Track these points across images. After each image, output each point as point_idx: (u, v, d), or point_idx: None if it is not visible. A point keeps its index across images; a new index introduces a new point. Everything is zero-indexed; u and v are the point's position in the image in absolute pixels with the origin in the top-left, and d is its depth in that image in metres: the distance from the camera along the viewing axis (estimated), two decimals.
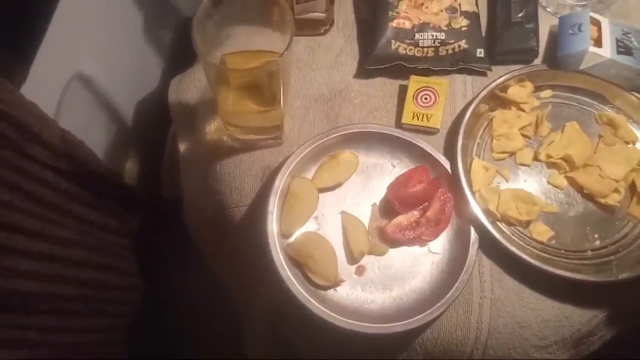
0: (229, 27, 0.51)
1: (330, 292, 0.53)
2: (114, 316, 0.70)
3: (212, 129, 0.62)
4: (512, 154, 0.59)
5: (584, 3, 0.64)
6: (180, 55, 0.89)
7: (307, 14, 0.62)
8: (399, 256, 0.54)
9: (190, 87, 0.65)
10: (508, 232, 0.55)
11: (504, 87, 0.60)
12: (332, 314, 0.50)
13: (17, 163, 0.48)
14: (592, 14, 0.60)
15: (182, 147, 0.65)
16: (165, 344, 0.82)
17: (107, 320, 0.68)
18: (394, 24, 0.61)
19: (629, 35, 0.60)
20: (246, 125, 0.58)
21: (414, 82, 0.60)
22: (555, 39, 0.63)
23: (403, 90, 0.62)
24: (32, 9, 0.52)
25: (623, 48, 0.59)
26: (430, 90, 0.60)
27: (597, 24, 0.60)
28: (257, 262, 0.56)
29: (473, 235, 0.53)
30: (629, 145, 0.59)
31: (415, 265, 0.54)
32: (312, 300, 0.50)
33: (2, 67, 0.46)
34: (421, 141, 0.57)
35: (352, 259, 0.54)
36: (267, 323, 0.58)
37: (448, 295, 0.51)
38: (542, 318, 0.53)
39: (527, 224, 0.55)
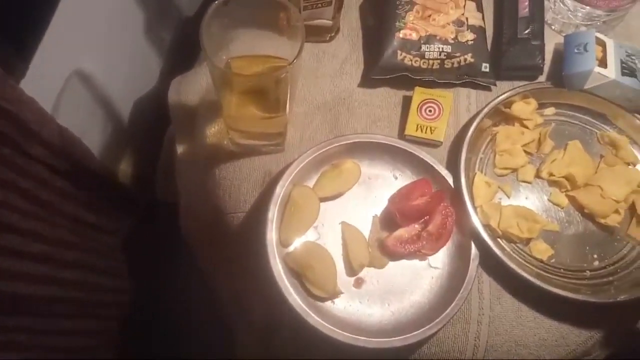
0: (235, 30, 0.50)
1: (328, 303, 0.52)
2: (103, 319, 0.69)
3: (213, 132, 0.61)
4: (515, 170, 0.59)
5: (588, 23, 0.65)
6: (179, 55, 0.88)
7: (314, 20, 0.62)
8: (398, 269, 0.54)
9: (191, 88, 0.64)
10: (508, 249, 0.55)
11: (508, 103, 0.60)
12: (329, 326, 0.49)
13: (14, 160, 0.46)
14: (598, 34, 0.61)
15: (180, 149, 0.64)
16: (154, 348, 0.80)
17: (95, 323, 0.67)
18: (401, 34, 0.61)
19: (633, 57, 0.60)
20: (249, 131, 0.57)
21: (419, 94, 0.60)
22: (559, 57, 0.63)
23: (407, 101, 0.61)
24: (35, 5, 0.51)
25: (627, 70, 0.59)
26: (434, 103, 0.60)
27: (602, 44, 0.60)
28: (253, 270, 0.55)
29: (474, 251, 0.53)
30: (630, 167, 0.59)
31: (415, 280, 0.54)
32: (309, 311, 0.49)
33: (2, 60, 0.45)
34: (424, 154, 0.57)
35: (352, 270, 0.53)
36: (261, 332, 0.57)
37: (447, 311, 0.50)
38: (540, 337, 0.53)
39: (527, 241, 0.55)
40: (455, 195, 0.55)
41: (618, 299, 0.52)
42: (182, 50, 0.87)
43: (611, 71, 0.58)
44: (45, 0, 0.53)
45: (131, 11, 0.74)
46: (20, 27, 0.50)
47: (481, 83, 0.62)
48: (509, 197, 0.58)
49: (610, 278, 0.54)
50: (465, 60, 0.61)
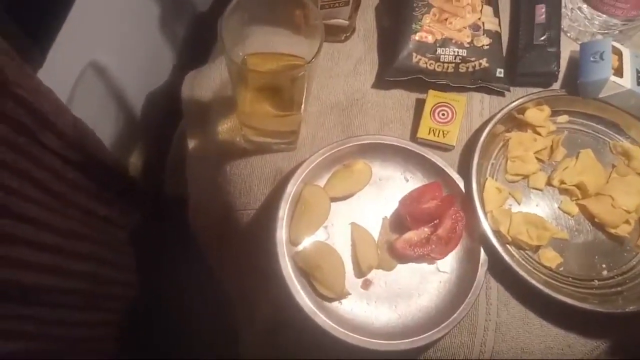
0: (253, 26, 0.50)
1: (335, 304, 0.52)
2: (109, 311, 0.69)
3: (225, 128, 0.61)
4: (526, 177, 0.59)
5: (605, 32, 0.64)
6: (192, 50, 0.88)
7: (330, 20, 0.62)
8: (406, 272, 0.54)
9: (205, 84, 0.64)
10: (517, 256, 0.55)
11: (521, 109, 0.60)
12: (336, 326, 0.49)
13: (29, 150, 0.47)
14: (614, 43, 0.60)
15: (192, 144, 0.64)
16: (158, 343, 0.81)
17: (101, 315, 0.67)
18: (417, 37, 0.61)
19: None
20: (262, 128, 0.57)
21: (432, 97, 0.60)
22: (574, 64, 0.63)
23: (420, 104, 0.61)
24: None
25: None
26: (447, 106, 0.60)
27: (618, 53, 0.60)
28: (262, 267, 0.55)
29: (482, 256, 0.53)
30: None
31: (423, 283, 0.54)
32: (317, 311, 0.49)
33: (21, 50, 0.45)
34: (436, 157, 0.57)
35: (360, 272, 0.53)
36: (267, 331, 0.58)
37: (454, 315, 0.50)
38: (546, 345, 0.53)
39: (536, 248, 0.55)
40: (466, 200, 0.55)
41: (626, 310, 0.51)
42: (196, 45, 0.87)
43: (627, 80, 0.58)
44: None
45: (146, 6, 0.74)
46: (39, 19, 0.50)
47: (495, 88, 0.62)
48: (519, 204, 0.58)
49: (619, 288, 0.54)
50: (480, 64, 0.61)
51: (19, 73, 0.45)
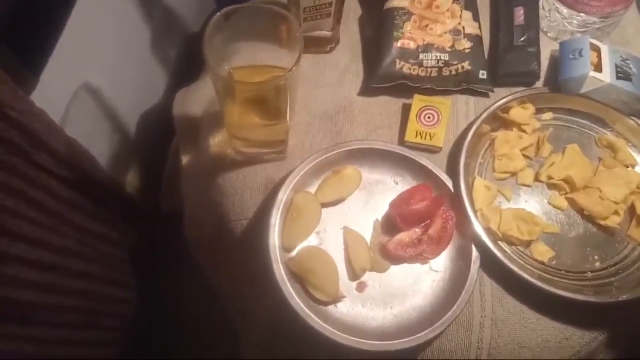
0: (237, 42, 0.51)
1: (331, 307, 0.52)
2: (108, 329, 0.69)
3: (216, 142, 0.62)
4: (514, 174, 0.60)
5: (583, 30, 0.66)
6: (184, 69, 0.90)
7: (314, 31, 0.63)
8: (400, 273, 0.54)
9: (195, 100, 0.66)
10: (509, 252, 0.55)
11: (505, 108, 0.61)
12: (332, 329, 0.49)
13: (23, 170, 0.48)
14: (592, 40, 0.62)
15: (185, 159, 0.65)
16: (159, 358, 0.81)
17: (101, 334, 0.67)
18: (399, 44, 0.62)
19: (628, 62, 0.61)
20: (251, 139, 0.58)
21: (418, 101, 0.61)
22: (556, 62, 0.65)
23: (406, 109, 0.62)
24: (45, 21, 0.53)
25: (622, 74, 0.60)
26: (433, 110, 0.61)
27: (596, 49, 0.61)
28: (257, 275, 0.56)
29: (474, 253, 0.54)
30: (628, 169, 0.60)
31: (416, 283, 0.54)
32: (312, 315, 0.50)
33: (14, 73, 0.47)
34: (424, 159, 0.58)
35: (354, 274, 0.54)
36: (265, 337, 0.58)
37: (449, 313, 0.51)
38: (543, 339, 0.53)
39: (528, 243, 0.56)
40: (455, 199, 0.56)
41: (620, 299, 0.52)
42: (187, 65, 0.89)
43: (606, 75, 0.59)
44: (55, 17, 0.55)
45: (138, 27, 0.76)
46: (31, 42, 0.52)
47: (479, 90, 0.64)
48: (508, 201, 0.58)
49: (612, 279, 0.54)
50: (462, 67, 0.63)
51: (12, 96, 0.47)
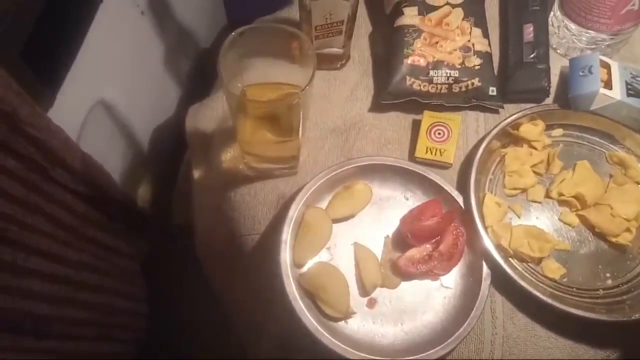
0: (250, 59, 0.52)
1: (342, 324, 0.53)
2: (121, 342, 0.70)
3: (228, 157, 0.63)
4: (524, 190, 0.60)
5: (593, 47, 0.66)
6: (196, 85, 0.91)
7: (325, 49, 0.64)
8: (410, 290, 0.55)
9: (207, 115, 0.67)
10: (520, 269, 0.55)
11: (516, 125, 0.61)
12: (343, 346, 0.50)
13: (41, 186, 0.49)
14: (602, 57, 0.62)
15: (197, 174, 0.66)
16: None
17: (112, 346, 0.68)
18: (409, 61, 0.63)
19: (638, 79, 0.62)
20: (263, 155, 0.59)
21: (428, 117, 0.62)
22: (565, 79, 0.65)
23: (416, 125, 0.63)
24: (63, 39, 0.54)
25: (632, 91, 0.60)
26: (443, 126, 0.61)
27: (606, 66, 0.62)
28: (267, 291, 0.56)
29: (485, 270, 0.54)
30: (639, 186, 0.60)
31: (427, 300, 0.54)
32: (322, 331, 0.50)
33: (32, 91, 0.48)
34: (434, 175, 0.58)
35: (364, 291, 0.54)
36: (275, 354, 0.58)
37: (460, 330, 0.51)
38: (554, 357, 0.53)
39: (539, 260, 0.56)
40: (466, 216, 0.56)
41: (633, 318, 0.51)
42: (200, 80, 0.91)
43: (616, 92, 0.59)
44: (72, 36, 0.56)
45: (152, 45, 0.78)
46: (49, 60, 0.53)
47: (489, 106, 0.64)
48: (519, 217, 0.58)
49: (624, 297, 0.54)
50: (472, 84, 0.63)
51: (30, 113, 0.48)
